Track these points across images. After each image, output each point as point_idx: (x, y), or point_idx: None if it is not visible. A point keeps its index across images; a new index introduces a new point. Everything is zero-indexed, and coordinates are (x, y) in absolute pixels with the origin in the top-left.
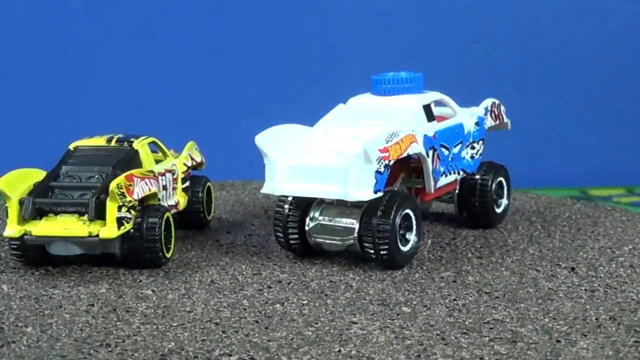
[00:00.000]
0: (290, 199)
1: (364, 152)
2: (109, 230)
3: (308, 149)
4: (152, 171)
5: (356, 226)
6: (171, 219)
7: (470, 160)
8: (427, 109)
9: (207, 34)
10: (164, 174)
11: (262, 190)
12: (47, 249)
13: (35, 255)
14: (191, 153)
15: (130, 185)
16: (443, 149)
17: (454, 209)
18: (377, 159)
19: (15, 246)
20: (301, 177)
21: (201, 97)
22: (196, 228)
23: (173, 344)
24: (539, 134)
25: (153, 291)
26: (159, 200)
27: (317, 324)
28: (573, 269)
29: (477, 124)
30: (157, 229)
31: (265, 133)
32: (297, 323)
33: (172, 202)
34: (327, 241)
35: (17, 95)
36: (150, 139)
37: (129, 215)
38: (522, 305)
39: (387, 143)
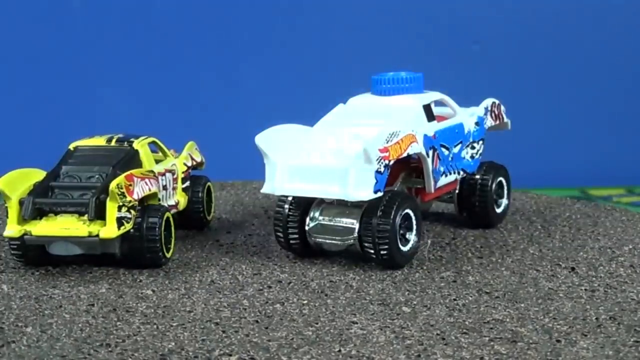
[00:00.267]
0: (290, 198)
1: (364, 152)
2: (109, 230)
3: (308, 149)
4: (152, 171)
5: (356, 226)
6: (171, 219)
7: (470, 160)
8: (427, 108)
9: (207, 34)
10: (164, 174)
11: (262, 190)
12: (47, 249)
13: (35, 255)
14: (191, 153)
15: (130, 185)
16: (443, 149)
17: (454, 209)
18: (377, 159)
19: (15, 246)
20: (301, 177)
21: (201, 97)
22: (196, 228)
23: (173, 343)
24: (539, 134)
25: (153, 291)
26: (159, 200)
27: (317, 323)
28: (573, 268)
29: (477, 123)
30: (157, 229)
31: (265, 133)
32: (297, 323)
33: (172, 202)
34: (327, 241)
35: (17, 95)
36: (150, 139)
37: (129, 215)
38: (522, 305)
39: (387, 143)
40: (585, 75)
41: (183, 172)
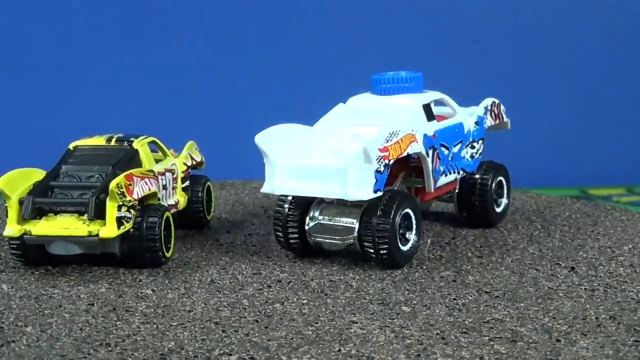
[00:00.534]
0: (290, 198)
1: (364, 151)
2: (109, 230)
3: (308, 149)
4: (152, 171)
5: (356, 226)
6: (171, 218)
7: (470, 159)
8: (427, 108)
9: (207, 33)
10: (164, 174)
11: (262, 190)
12: (47, 248)
13: (35, 255)
14: (191, 153)
15: (130, 185)
16: (443, 149)
17: (454, 209)
18: (377, 159)
19: (15, 246)
20: (301, 177)
21: (201, 97)
22: (196, 228)
23: (173, 343)
24: (539, 134)
25: (153, 291)
26: (159, 200)
27: (317, 323)
28: (573, 268)
29: (477, 123)
30: (157, 229)
31: (265, 133)
32: (297, 323)
33: (172, 202)
34: (327, 241)
35: (18, 95)
36: (150, 139)
37: (129, 215)
38: (522, 304)
39: (387, 143)
40: (585, 75)
41: (183, 172)
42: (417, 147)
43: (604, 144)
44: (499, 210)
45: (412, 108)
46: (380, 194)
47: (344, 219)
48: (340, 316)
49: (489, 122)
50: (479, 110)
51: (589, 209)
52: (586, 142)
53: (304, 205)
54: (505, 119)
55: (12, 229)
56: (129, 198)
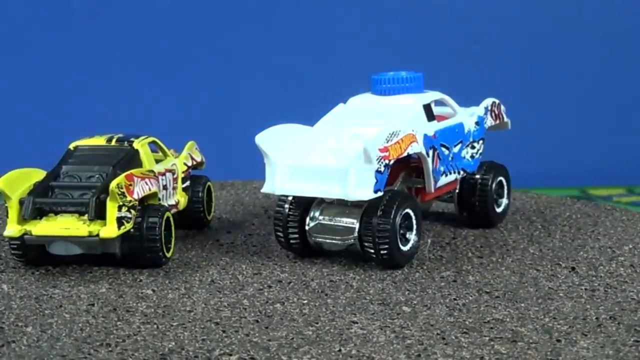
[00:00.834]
0: (290, 198)
1: (364, 151)
2: (109, 230)
3: (308, 149)
4: (152, 171)
5: (356, 226)
6: (171, 218)
7: (470, 159)
8: (427, 108)
9: (207, 33)
10: (164, 174)
11: (263, 190)
12: (47, 248)
13: (35, 255)
14: (191, 153)
15: (130, 184)
16: (443, 149)
17: (454, 209)
18: (377, 159)
19: (15, 246)
20: (301, 177)
21: (201, 97)
22: (196, 228)
23: (173, 343)
24: (539, 134)
25: (153, 291)
26: (159, 200)
27: (317, 323)
28: (573, 268)
29: (477, 123)
30: (157, 229)
31: (265, 133)
32: (297, 322)
33: (172, 202)
34: (328, 241)
35: (18, 95)
36: (150, 139)
37: (129, 215)
38: (523, 304)
39: (387, 142)
40: (585, 75)
41: (183, 172)
42: (417, 147)
43: (604, 144)
44: (499, 210)
45: (412, 108)
46: (380, 194)
47: (344, 219)
48: (341, 316)
49: (489, 122)
50: (479, 110)
51: (589, 209)
52: (586, 142)
53: (304, 205)
54: (505, 119)
55: (12, 229)
56: (129, 198)
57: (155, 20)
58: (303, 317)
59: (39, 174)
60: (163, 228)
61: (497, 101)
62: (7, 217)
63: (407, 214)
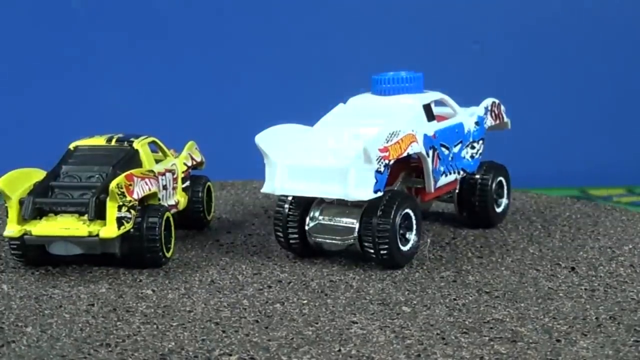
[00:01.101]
0: (290, 198)
1: (364, 151)
2: (109, 230)
3: (308, 149)
4: (152, 171)
5: (356, 226)
6: (171, 218)
7: (470, 159)
8: (427, 108)
9: (207, 33)
10: (164, 174)
11: (263, 190)
12: (47, 248)
13: (35, 255)
14: (191, 153)
15: (130, 184)
16: (443, 149)
17: (454, 209)
18: (377, 159)
19: (15, 246)
20: (301, 177)
21: (201, 97)
22: (196, 228)
23: (173, 343)
24: (539, 134)
25: (153, 291)
26: (159, 200)
27: (317, 323)
28: (573, 268)
29: (477, 123)
30: (157, 229)
31: (265, 133)
32: (297, 323)
33: (172, 202)
34: (327, 241)
35: (17, 95)
36: (150, 139)
37: (129, 215)
38: (522, 304)
39: (387, 142)
40: (585, 75)
41: (183, 172)
42: (417, 147)
43: (604, 144)
44: (498, 210)
45: (412, 108)
46: (380, 194)
47: (344, 219)
48: (340, 316)
49: (489, 122)
50: (479, 110)
51: (589, 209)
52: (586, 142)
53: (304, 205)
54: (505, 119)
55: (12, 229)
56: (129, 198)
57: (155, 20)
58: (303, 317)
59: (39, 174)
60: (163, 228)
61: (497, 101)
62: (7, 217)
63: (407, 214)
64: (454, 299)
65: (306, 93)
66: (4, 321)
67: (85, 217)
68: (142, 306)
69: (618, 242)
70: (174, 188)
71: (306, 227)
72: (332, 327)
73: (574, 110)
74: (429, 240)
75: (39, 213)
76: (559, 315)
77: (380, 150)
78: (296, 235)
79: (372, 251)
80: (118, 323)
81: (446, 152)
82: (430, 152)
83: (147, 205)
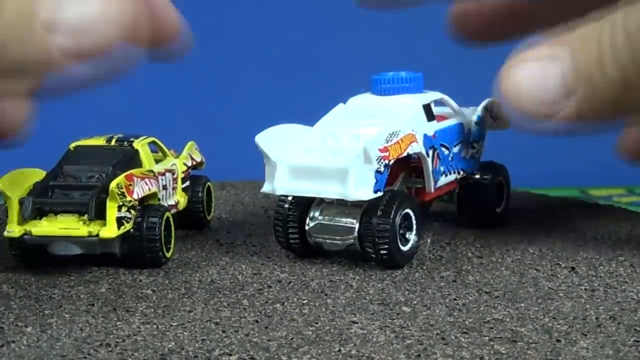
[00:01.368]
0: (290, 198)
1: (363, 151)
2: (109, 230)
3: (308, 149)
4: (152, 171)
5: (356, 226)
6: (171, 218)
7: (470, 159)
8: (427, 108)
9: (206, 33)
10: (163, 174)
11: (262, 190)
12: (47, 249)
13: (35, 255)
14: (191, 153)
15: (130, 185)
16: (443, 149)
17: (454, 209)
18: (377, 159)
19: (15, 246)
20: (301, 177)
21: (201, 97)
22: (196, 228)
23: (173, 343)
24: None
25: (153, 291)
26: (159, 200)
27: (317, 323)
28: (573, 268)
29: (477, 123)
30: (157, 229)
31: (265, 133)
32: (297, 323)
33: (172, 202)
34: (327, 241)
35: None
36: (150, 139)
37: (129, 215)
38: (522, 304)
39: (387, 142)
40: None
41: (183, 172)
42: (417, 147)
43: (604, 144)
44: (498, 210)
45: (412, 108)
46: (380, 194)
47: (344, 219)
48: (340, 316)
49: (489, 121)
50: (478, 110)
51: (589, 209)
52: (586, 142)
53: (303, 205)
54: (505, 119)
55: (12, 229)
56: (128, 198)
57: None
58: (303, 317)
59: (39, 174)
60: (163, 228)
61: (497, 101)
62: (7, 217)
63: (407, 214)
64: (454, 299)
65: (306, 93)
66: (4, 321)
67: (85, 217)
68: (142, 306)
69: (618, 242)
70: (174, 188)
71: (306, 227)
72: (332, 327)
73: None
74: (429, 240)
75: (39, 213)
76: (559, 315)
77: (380, 150)
78: (296, 235)
79: (372, 251)
80: (118, 323)
81: (446, 152)
82: (430, 152)
83: (147, 205)
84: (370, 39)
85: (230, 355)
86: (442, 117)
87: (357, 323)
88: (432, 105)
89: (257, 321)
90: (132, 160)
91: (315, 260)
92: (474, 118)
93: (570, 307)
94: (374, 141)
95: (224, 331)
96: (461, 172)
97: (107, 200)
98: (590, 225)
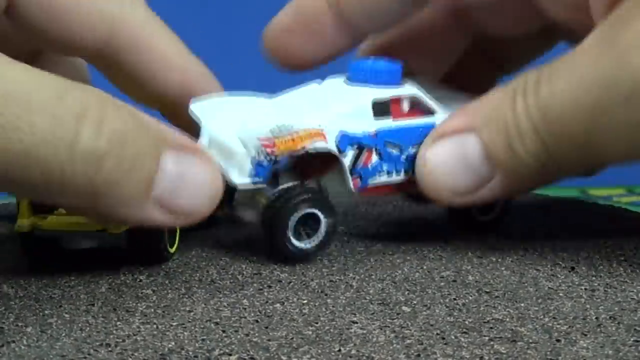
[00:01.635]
0: None
1: (239, 138)
2: (117, 225)
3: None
4: None
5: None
6: None
7: None
8: (380, 104)
9: (206, 33)
10: None
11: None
12: (57, 242)
13: (45, 250)
14: None
15: None
16: (390, 148)
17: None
18: (257, 149)
19: (25, 241)
20: (218, 151)
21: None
22: (210, 225)
23: (173, 343)
24: None
25: (153, 291)
26: None
27: (317, 323)
28: (573, 268)
29: None
30: None
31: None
32: (297, 322)
33: None
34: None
35: None
36: None
37: None
38: (522, 304)
39: (272, 134)
40: None
41: None
42: (322, 144)
43: None
44: (484, 218)
45: (356, 102)
46: (260, 185)
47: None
48: (340, 316)
49: None
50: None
51: (589, 209)
52: None
53: None
54: None
55: (23, 224)
56: None
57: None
58: (303, 317)
59: None
60: None
61: None
62: (17, 211)
63: (308, 211)
64: (454, 299)
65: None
66: (4, 321)
67: None
68: (142, 306)
69: (618, 242)
70: None
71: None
72: (332, 327)
73: None
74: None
75: (50, 208)
76: (559, 315)
77: (262, 140)
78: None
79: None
80: (118, 323)
81: (395, 152)
82: (355, 150)
83: None
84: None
85: (230, 355)
86: (417, 113)
87: (357, 323)
88: (404, 101)
89: (257, 321)
90: None
91: (316, 260)
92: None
93: (570, 307)
94: (253, 130)
95: (224, 331)
96: None
97: None
98: (590, 225)
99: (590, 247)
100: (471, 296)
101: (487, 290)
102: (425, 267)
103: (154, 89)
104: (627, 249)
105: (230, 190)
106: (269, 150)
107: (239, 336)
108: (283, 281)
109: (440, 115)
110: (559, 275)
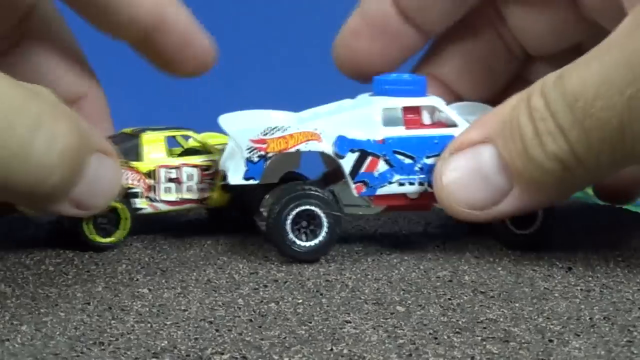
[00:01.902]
0: None
1: (233, 140)
2: None
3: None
4: (126, 162)
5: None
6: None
7: None
8: (392, 113)
9: (207, 32)
10: (178, 167)
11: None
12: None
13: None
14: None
15: None
16: (400, 157)
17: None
18: (249, 148)
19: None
20: (227, 154)
21: (201, 97)
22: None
23: (166, 342)
24: None
25: (149, 290)
26: (144, 194)
27: (310, 322)
28: (570, 268)
29: None
30: None
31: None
32: (290, 322)
33: (188, 197)
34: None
35: None
36: (178, 132)
37: None
38: (517, 304)
39: (264, 135)
40: None
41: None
42: (317, 146)
43: None
44: (536, 225)
45: (363, 109)
46: (253, 182)
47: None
48: (334, 315)
49: None
50: None
51: (588, 209)
52: None
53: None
54: None
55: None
56: None
57: None
58: (297, 316)
59: None
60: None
61: None
62: None
63: (307, 210)
64: (449, 299)
65: (307, 93)
66: (0, 319)
67: None
68: (137, 305)
69: (616, 242)
70: (202, 182)
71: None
72: (325, 327)
73: None
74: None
75: None
76: (553, 315)
77: (254, 141)
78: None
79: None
80: (112, 322)
81: (407, 161)
82: (357, 155)
83: None
84: None
85: (222, 354)
86: (440, 126)
87: (350, 322)
88: (424, 111)
89: (251, 320)
90: (129, 151)
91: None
92: None
93: (564, 307)
94: (246, 131)
95: (217, 330)
96: None
97: None
98: (589, 225)
99: (587, 247)
100: (466, 296)
101: (483, 291)
102: (422, 267)
103: (125, 17)
104: (625, 250)
105: (255, 194)
106: (259, 148)
107: (232, 335)
108: (279, 280)
109: (462, 129)
110: (556, 276)
